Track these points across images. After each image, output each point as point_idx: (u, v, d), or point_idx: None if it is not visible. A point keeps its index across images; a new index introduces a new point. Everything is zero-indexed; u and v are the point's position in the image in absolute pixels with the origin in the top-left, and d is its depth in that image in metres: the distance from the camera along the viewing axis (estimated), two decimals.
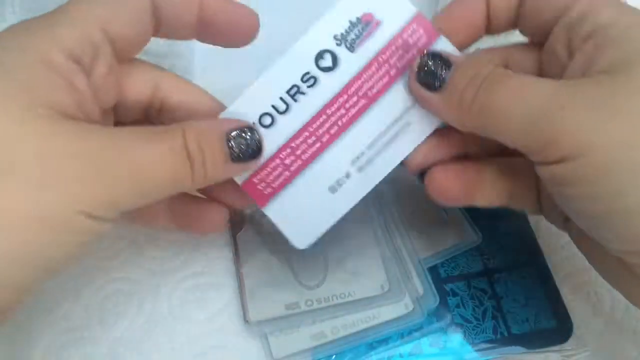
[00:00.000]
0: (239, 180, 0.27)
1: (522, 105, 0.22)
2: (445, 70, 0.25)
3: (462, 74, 0.24)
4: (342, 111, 0.26)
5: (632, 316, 0.30)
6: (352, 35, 0.27)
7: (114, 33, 0.23)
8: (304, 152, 0.26)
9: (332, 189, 0.27)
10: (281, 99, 0.26)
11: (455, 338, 0.29)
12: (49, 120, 0.20)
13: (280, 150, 0.26)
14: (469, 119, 0.24)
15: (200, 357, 0.29)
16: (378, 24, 0.26)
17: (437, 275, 0.31)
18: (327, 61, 0.27)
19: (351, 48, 0.26)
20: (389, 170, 0.27)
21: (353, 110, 0.26)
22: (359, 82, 0.26)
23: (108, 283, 0.31)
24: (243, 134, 0.25)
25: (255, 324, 0.29)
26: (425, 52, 0.25)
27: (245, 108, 0.27)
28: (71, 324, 0.30)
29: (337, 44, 0.27)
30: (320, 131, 0.26)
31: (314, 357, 0.29)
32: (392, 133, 0.26)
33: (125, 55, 0.25)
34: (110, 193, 0.21)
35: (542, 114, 0.21)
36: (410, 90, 0.26)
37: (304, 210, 0.27)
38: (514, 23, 0.27)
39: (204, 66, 0.39)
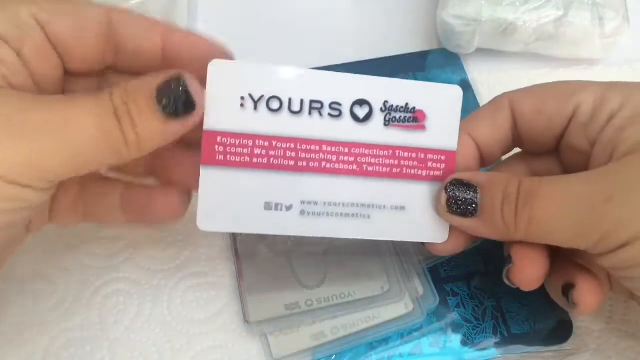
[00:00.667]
0: (206, 124, 0.25)
1: (568, 211, 0.22)
2: (473, 193, 0.25)
3: (491, 195, 0.24)
4: (333, 158, 0.26)
5: (632, 317, 0.30)
6: (397, 115, 0.27)
7: (49, 29, 0.23)
8: (275, 157, 0.26)
9: (267, 206, 0.26)
10: (302, 100, 0.26)
11: (455, 338, 0.29)
12: None
13: (261, 136, 0.25)
14: (516, 236, 0.24)
15: (200, 357, 0.29)
16: (422, 128, 0.27)
17: (437, 275, 0.31)
18: (361, 112, 0.26)
19: (387, 122, 0.26)
20: (328, 236, 0.26)
21: (340, 166, 0.26)
22: (367, 151, 0.26)
23: (108, 283, 0.31)
24: (172, 87, 0.22)
25: (255, 324, 0.29)
26: (447, 184, 0.25)
27: (271, 78, 0.25)
28: (71, 324, 0.30)
29: (381, 109, 0.26)
30: (303, 155, 0.26)
31: (314, 357, 0.29)
32: (353, 211, 0.26)
33: (71, 62, 0.24)
34: (29, 156, 0.20)
35: (591, 211, 0.22)
36: (446, 221, 0.26)
37: (230, 201, 0.25)
38: (510, 148, 0.28)
39: None
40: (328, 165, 0.26)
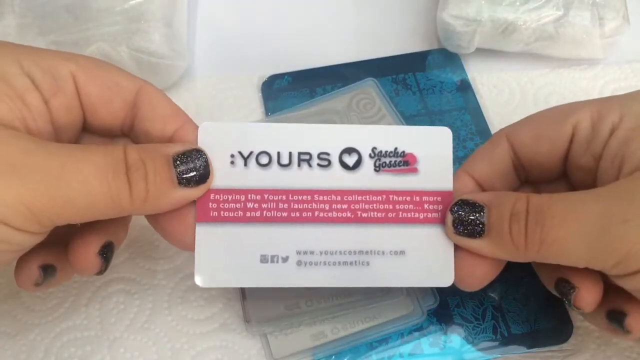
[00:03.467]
0: None
1: (583, 231, 0.21)
2: (479, 214, 0.24)
3: (498, 214, 0.24)
4: (326, 206, 0.26)
5: None
6: (387, 160, 0.27)
7: (82, 88, 0.24)
8: (268, 210, 0.26)
9: (263, 259, 0.26)
10: (290, 153, 0.26)
11: (455, 338, 0.29)
12: None
13: (252, 191, 0.26)
14: (527, 256, 0.23)
15: (200, 357, 0.29)
16: (414, 171, 0.27)
17: None
18: (350, 160, 0.26)
19: (377, 168, 0.26)
20: (328, 286, 0.26)
21: (334, 214, 0.26)
22: (360, 198, 0.26)
23: (108, 283, 0.31)
24: (190, 158, 0.24)
25: (255, 324, 0.29)
26: (452, 205, 0.25)
27: (258, 135, 0.26)
28: (71, 324, 0.30)
29: (370, 156, 0.26)
30: (296, 206, 0.26)
31: (314, 357, 0.29)
32: (351, 258, 0.26)
33: (93, 121, 0.25)
34: (23, 198, 0.20)
35: (607, 233, 0.21)
36: (453, 241, 0.26)
37: (226, 256, 0.26)
38: (515, 183, 0.27)
39: (204, 66, 0.39)
40: (321, 214, 0.26)
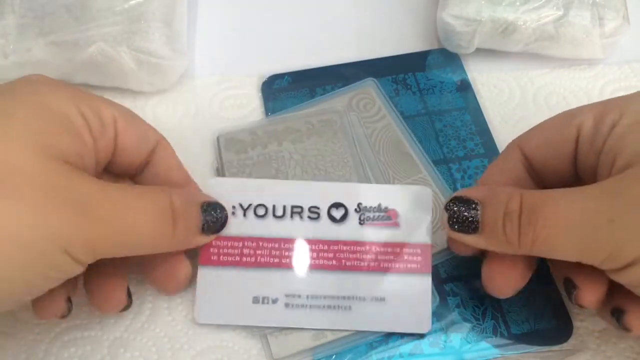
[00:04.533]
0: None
1: (571, 231, 0.22)
2: (473, 210, 0.25)
3: (492, 211, 0.25)
4: (314, 255, 0.29)
5: None
6: (371, 215, 0.30)
7: (120, 134, 0.27)
8: (262, 255, 0.29)
9: (255, 300, 0.28)
10: (284, 206, 0.30)
11: (455, 338, 0.29)
12: (56, 162, 0.22)
13: (249, 239, 0.29)
14: (520, 251, 0.24)
15: (200, 357, 0.29)
16: (395, 225, 0.29)
17: (437, 275, 0.31)
18: (338, 213, 0.30)
19: (362, 221, 0.29)
20: (312, 327, 0.28)
21: (320, 262, 0.29)
22: (345, 248, 0.29)
23: None
24: (215, 210, 0.28)
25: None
26: (447, 203, 0.26)
27: (257, 189, 0.30)
28: (71, 324, 0.30)
29: (356, 210, 0.30)
30: (287, 253, 0.29)
31: (314, 357, 0.29)
32: (334, 303, 0.28)
33: (117, 162, 0.28)
34: (94, 238, 0.22)
35: (594, 232, 0.22)
36: (450, 236, 0.27)
37: (223, 296, 0.29)
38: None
39: (204, 66, 0.39)
40: (309, 262, 0.29)
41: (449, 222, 0.26)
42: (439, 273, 0.31)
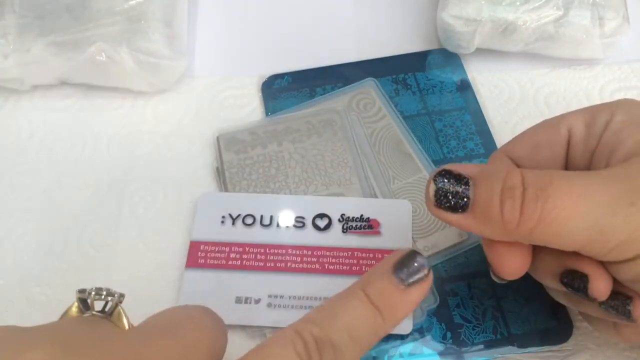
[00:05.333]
0: (192, 237, 0.31)
1: (588, 211, 0.20)
2: (465, 186, 0.23)
3: (487, 188, 0.22)
4: (298, 259, 0.30)
5: None
6: (353, 225, 0.31)
7: None
8: (248, 260, 0.30)
9: (238, 300, 0.29)
10: (272, 216, 0.31)
11: (455, 338, 0.29)
12: None
13: (236, 244, 0.30)
14: (514, 235, 0.22)
15: None
16: (377, 233, 0.31)
17: (437, 275, 0.31)
18: (322, 223, 0.31)
19: (345, 230, 0.31)
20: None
21: (304, 266, 0.30)
22: (328, 253, 0.30)
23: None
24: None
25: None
26: (434, 174, 0.23)
27: (246, 202, 0.32)
28: None
29: (339, 220, 0.31)
30: (272, 257, 0.30)
31: None
32: (316, 303, 0.29)
33: None
34: None
35: (613, 214, 0.20)
36: (434, 215, 0.24)
37: (207, 296, 0.29)
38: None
39: (204, 66, 0.39)
40: (293, 265, 0.30)
41: (435, 197, 0.23)
42: (439, 273, 0.31)
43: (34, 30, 0.35)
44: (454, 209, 0.23)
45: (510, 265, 0.24)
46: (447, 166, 0.24)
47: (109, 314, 0.21)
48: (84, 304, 0.21)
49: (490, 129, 0.36)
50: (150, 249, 0.32)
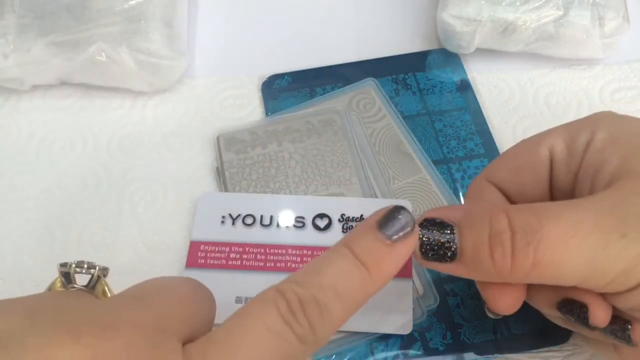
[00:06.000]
0: (192, 237, 0.31)
1: (582, 249, 0.20)
2: (450, 234, 0.22)
3: (473, 235, 0.22)
4: (297, 259, 0.30)
5: None
6: (353, 225, 0.31)
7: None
8: (248, 260, 0.30)
9: (238, 300, 0.29)
10: (272, 216, 0.31)
11: (455, 338, 0.29)
12: None
13: (237, 244, 0.30)
14: (509, 279, 0.22)
15: None
16: None
17: (437, 275, 0.31)
18: (322, 223, 0.31)
19: (344, 230, 0.31)
20: None
21: (304, 265, 0.28)
22: None
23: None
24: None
25: None
26: (417, 225, 0.22)
27: (246, 202, 0.32)
28: None
29: (339, 220, 0.31)
30: (272, 257, 0.30)
31: (314, 357, 0.29)
32: None
33: None
34: None
35: (606, 248, 0.20)
36: (423, 266, 0.24)
37: None
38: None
39: (204, 66, 0.39)
40: (293, 265, 0.30)
41: (421, 251, 0.23)
42: (439, 273, 0.31)
43: (34, 30, 0.35)
44: (442, 259, 0.22)
45: (506, 303, 0.24)
46: (429, 213, 0.23)
47: (92, 287, 0.21)
48: (67, 277, 0.21)
49: (490, 129, 0.36)
50: (150, 249, 0.32)
